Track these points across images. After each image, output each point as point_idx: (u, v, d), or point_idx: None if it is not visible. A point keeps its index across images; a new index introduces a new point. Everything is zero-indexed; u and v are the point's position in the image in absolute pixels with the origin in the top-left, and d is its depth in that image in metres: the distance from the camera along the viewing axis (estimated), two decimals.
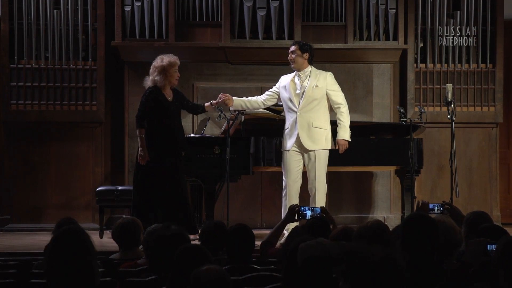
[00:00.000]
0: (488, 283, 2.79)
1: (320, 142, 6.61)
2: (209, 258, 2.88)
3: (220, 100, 6.70)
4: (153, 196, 6.38)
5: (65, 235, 2.72)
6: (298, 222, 5.17)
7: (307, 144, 6.58)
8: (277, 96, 6.82)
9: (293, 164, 6.63)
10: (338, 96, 6.68)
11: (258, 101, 6.83)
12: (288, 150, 6.63)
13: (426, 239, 3.14)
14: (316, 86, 6.60)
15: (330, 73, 6.78)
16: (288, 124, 6.68)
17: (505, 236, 3.06)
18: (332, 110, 6.74)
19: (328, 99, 6.66)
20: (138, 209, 6.39)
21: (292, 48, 6.69)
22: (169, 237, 3.39)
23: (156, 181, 6.39)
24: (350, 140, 6.65)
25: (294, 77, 6.72)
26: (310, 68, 6.69)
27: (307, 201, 6.74)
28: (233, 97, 6.78)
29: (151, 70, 6.56)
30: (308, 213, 4.68)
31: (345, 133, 6.63)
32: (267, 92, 6.88)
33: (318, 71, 6.74)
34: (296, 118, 6.60)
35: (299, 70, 6.68)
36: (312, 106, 6.61)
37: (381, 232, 3.27)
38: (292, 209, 4.70)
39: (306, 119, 6.59)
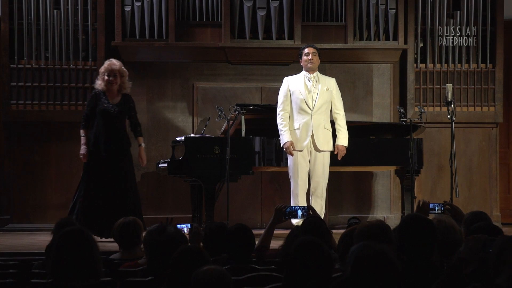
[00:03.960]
0: (486, 283, 2.79)
1: (330, 143, 6.87)
2: (207, 259, 2.88)
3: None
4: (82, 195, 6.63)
5: (70, 235, 2.77)
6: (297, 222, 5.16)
7: (321, 145, 6.80)
8: None
9: (303, 164, 6.81)
10: (341, 102, 6.97)
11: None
12: (301, 151, 6.78)
13: (423, 240, 3.14)
14: (327, 89, 6.87)
15: (334, 78, 7.03)
16: (298, 124, 6.82)
17: (503, 235, 3.06)
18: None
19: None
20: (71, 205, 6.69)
21: (313, 50, 6.87)
22: (167, 238, 3.38)
23: (88, 181, 6.63)
24: (347, 146, 6.94)
25: (304, 79, 6.86)
26: (317, 72, 6.93)
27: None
28: (290, 139, 6.76)
29: None
30: (299, 212, 4.67)
31: (345, 139, 6.90)
32: (285, 110, 6.84)
33: (322, 75, 6.99)
34: (311, 119, 6.77)
35: (312, 72, 6.87)
36: (324, 109, 6.85)
37: (383, 231, 3.26)
38: (279, 210, 4.66)
39: (318, 120, 6.81)
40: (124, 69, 6.81)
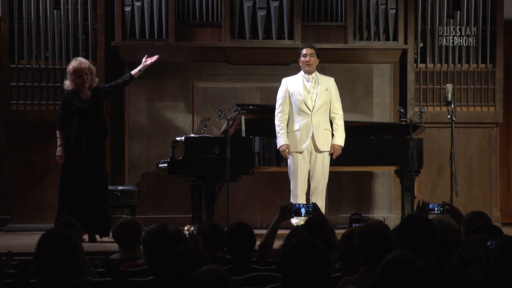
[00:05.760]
0: (486, 283, 2.79)
1: (330, 143, 6.87)
2: (207, 259, 2.88)
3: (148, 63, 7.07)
4: (67, 194, 6.64)
5: (50, 237, 2.93)
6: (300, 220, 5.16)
7: (321, 145, 6.81)
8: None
9: (304, 165, 6.82)
10: (339, 102, 6.96)
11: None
12: (301, 152, 6.78)
13: (423, 240, 3.14)
14: (326, 89, 6.86)
15: (333, 78, 7.02)
16: (298, 126, 6.82)
17: (503, 235, 3.06)
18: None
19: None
20: (58, 206, 6.68)
21: (311, 51, 6.84)
22: (167, 238, 3.38)
23: (69, 179, 6.63)
24: (343, 145, 6.93)
25: (303, 80, 6.85)
26: (316, 72, 6.91)
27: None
28: (286, 142, 6.79)
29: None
30: (303, 210, 4.68)
31: (341, 139, 6.90)
32: (283, 111, 6.85)
33: (321, 75, 6.99)
34: (311, 120, 6.77)
35: (310, 73, 6.85)
36: (323, 109, 6.84)
37: (382, 231, 3.26)
38: (284, 207, 4.68)
39: (318, 121, 6.81)
40: (92, 66, 6.87)
